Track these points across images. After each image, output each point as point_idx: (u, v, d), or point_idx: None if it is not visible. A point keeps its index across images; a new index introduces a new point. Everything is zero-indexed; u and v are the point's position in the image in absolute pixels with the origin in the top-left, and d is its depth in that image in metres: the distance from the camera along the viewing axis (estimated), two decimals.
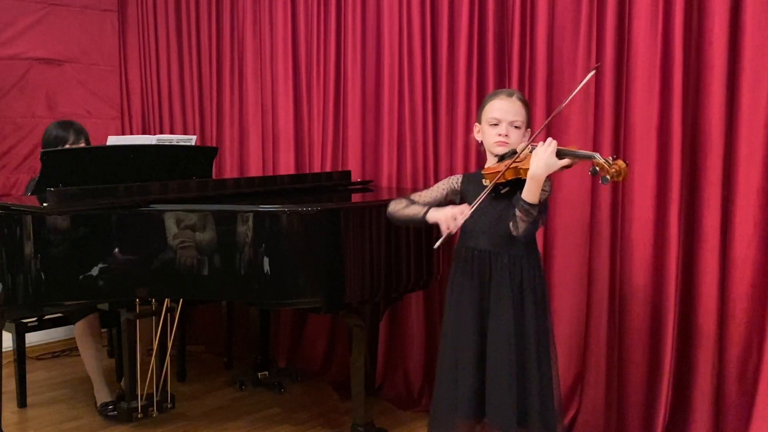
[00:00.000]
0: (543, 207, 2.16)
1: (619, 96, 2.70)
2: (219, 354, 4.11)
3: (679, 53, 2.52)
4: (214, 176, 3.79)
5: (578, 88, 2.18)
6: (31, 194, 2.97)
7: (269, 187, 3.40)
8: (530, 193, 2.10)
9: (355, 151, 3.59)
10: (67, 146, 3.43)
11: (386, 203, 2.82)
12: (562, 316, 2.93)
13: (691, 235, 2.60)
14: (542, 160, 2.06)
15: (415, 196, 2.41)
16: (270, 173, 4.02)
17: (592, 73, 2.24)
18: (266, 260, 2.60)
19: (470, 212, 2.15)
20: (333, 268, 2.65)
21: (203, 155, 3.62)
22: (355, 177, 3.57)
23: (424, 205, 2.34)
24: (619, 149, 2.71)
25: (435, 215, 2.23)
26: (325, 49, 3.69)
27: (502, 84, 3.03)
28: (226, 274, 2.64)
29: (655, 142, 2.60)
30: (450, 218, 2.17)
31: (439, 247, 2.14)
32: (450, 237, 2.16)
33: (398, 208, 2.39)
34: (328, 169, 3.69)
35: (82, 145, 3.49)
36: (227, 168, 4.30)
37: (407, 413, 3.29)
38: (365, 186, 3.49)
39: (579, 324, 2.89)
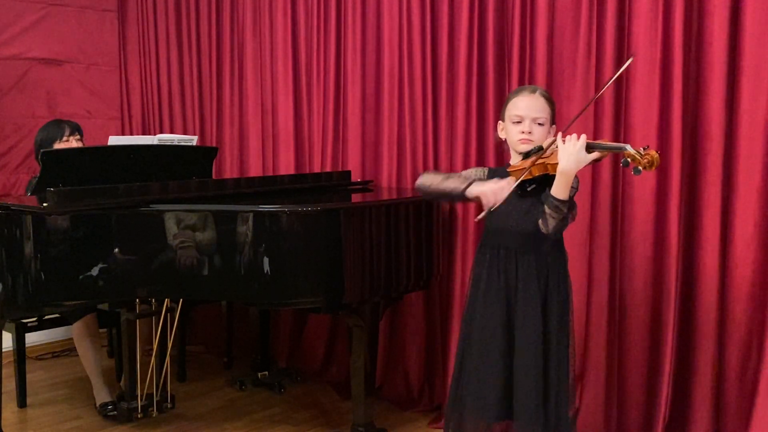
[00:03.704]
0: (572, 203, 2.12)
1: (619, 96, 2.70)
2: (219, 354, 4.11)
3: (679, 53, 2.52)
4: (214, 176, 3.79)
5: (612, 80, 2.18)
6: (31, 194, 2.97)
7: (269, 187, 3.40)
8: (560, 189, 2.07)
9: (355, 151, 3.59)
10: (63, 140, 3.45)
11: (386, 203, 2.85)
12: None
13: (691, 235, 2.60)
14: (572, 155, 2.02)
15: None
16: (270, 173, 4.02)
17: (629, 62, 2.18)
18: (266, 260, 2.60)
19: (514, 186, 2.11)
20: (333, 268, 2.65)
21: (203, 155, 3.62)
22: (355, 177, 3.56)
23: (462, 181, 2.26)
24: None
25: (477, 189, 2.16)
26: (325, 49, 3.69)
27: (501, 84, 3.03)
28: (226, 274, 2.64)
29: (655, 142, 2.59)
30: (493, 193, 2.11)
31: (479, 220, 2.15)
32: (490, 212, 2.12)
33: (435, 181, 2.29)
34: (328, 169, 3.69)
35: (77, 137, 3.51)
36: (227, 168, 4.30)
37: (407, 413, 3.29)
38: (365, 186, 3.49)
39: (579, 324, 2.88)
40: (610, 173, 2.73)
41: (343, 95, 3.62)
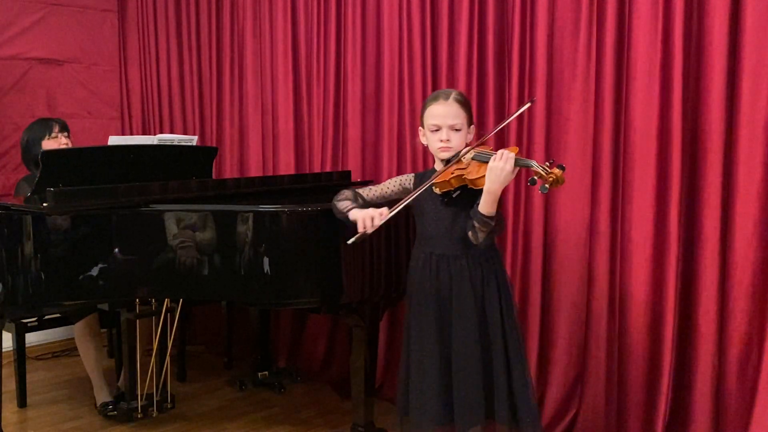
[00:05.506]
0: (500, 216, 2.18)
1: (619, 96, 2.70)
2: (219, 354, 4.11)
3: (679, 53, 2.52)
4: (214, 176, 3.79)
5: (511, 118, 2.41)
6: (31, 194, 2.97)
7: (269, 187, 3.40)
8: (487, 206, 2.12)
9: (355, 151, 3.59)
10: (52, 137, 3.45)
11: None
12: (562, 316, 2.93)
13: (691, 235, 2.60)
14: (500, 176, 2.07)
15: (364, 191, 2.44)
16: (270, 173, 4.02)
17: (527, 105, 2.30)
18: (266, 260, 2.60)
19: (388, 216, 2.19)
20: (333, 268, 2.65)
21: (203, 155, 3.62)
22: (355, 177, 3.56)
23: (369, 201, 2.38)
24: (619, 149, 2.71)
25: (356, 214, 2.26)
26: (325, 49, 3.69)
27: (502, 84, 3.03)
28: (226, 274, 2.64)
29: (655, 143, 2.59)
30: (368, 218, 2.21)
31: (352, 244, 2.20)
32: (365, 237, 2.21)
33: (336, 199, 2.42)
34: (328, 169, 3.69)
35: (66, 134, 3.51)
36: (227, 168, 4.30)
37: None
38: (365, 186, 3.48)
39: (579, 324, 2.89)
40: (609, 173, 2.73)
41: (343, 95, 3.62)
